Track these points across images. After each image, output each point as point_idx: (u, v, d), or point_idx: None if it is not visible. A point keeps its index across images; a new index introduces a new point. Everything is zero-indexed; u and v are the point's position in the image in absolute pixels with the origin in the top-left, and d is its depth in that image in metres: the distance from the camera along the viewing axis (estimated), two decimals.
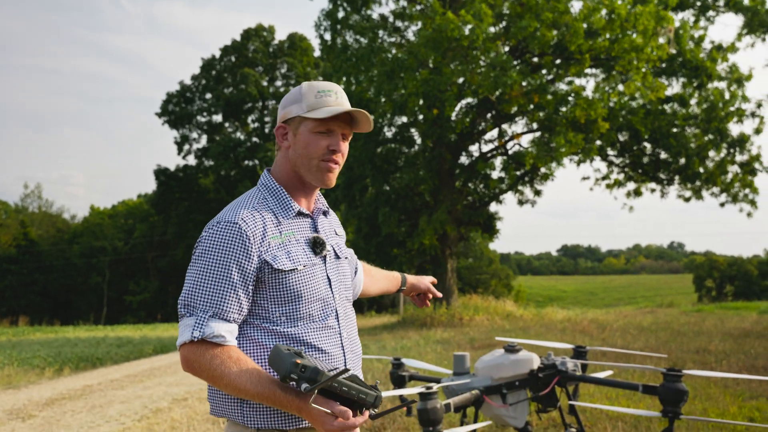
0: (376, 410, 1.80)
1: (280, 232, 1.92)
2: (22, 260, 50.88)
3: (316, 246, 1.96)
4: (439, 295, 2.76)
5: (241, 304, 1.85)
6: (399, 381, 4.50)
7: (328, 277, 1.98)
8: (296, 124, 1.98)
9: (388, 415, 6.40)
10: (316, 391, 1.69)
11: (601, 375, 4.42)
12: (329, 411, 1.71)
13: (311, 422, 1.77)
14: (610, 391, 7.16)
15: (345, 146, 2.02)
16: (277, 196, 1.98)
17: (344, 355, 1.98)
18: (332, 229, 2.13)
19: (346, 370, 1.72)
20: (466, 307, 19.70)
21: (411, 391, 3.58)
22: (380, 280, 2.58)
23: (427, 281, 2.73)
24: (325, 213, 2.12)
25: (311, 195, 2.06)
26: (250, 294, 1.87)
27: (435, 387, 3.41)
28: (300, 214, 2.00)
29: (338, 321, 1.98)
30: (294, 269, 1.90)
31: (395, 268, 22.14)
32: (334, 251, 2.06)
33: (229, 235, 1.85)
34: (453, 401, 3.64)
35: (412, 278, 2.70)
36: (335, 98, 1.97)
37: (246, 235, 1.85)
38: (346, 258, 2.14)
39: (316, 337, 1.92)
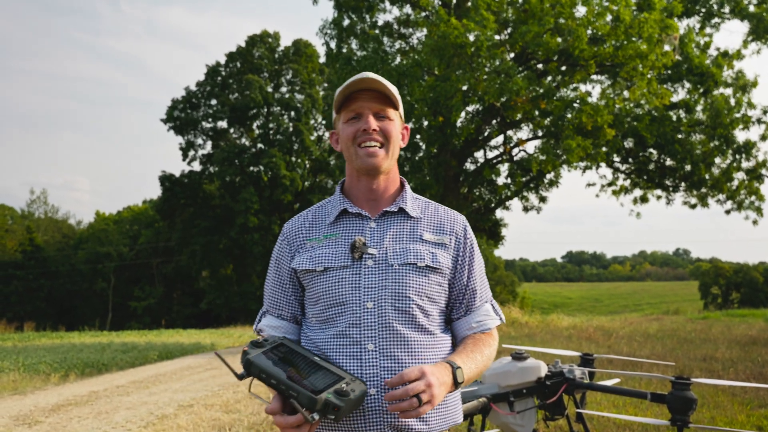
0: (313, 414, 1.55)
1: (325, 234, 1.94)
2: (27, 266, 50.98)
3: (351, 249, 1.86)
4: None
5: (289, 300, 1.99)
6: None
7: (358, 282, 1.84)
8: (336, 125, 2.00)
9: None
10: (251, 380, 1.70)
11: (609, 383, 4.41)
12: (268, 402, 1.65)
13: None
14: (617, 399, 7.14)
15: (386, 124, 1.92)
16: (334, 199, 2.00)
17: (361, 368, 1.79)
18: (404, 232, 1.93)
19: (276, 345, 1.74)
20: None
21: None
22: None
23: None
24: (399, 213, 1.96)
25: (374, 195, 1.96)
26: (290, 291, 1.98)
27: None
28: (347, 213, 1.94)
29: (360, 330, 1.81)
30: (312, 270, 1.89)
31: None
32: (386, 256, 1.86)
33: (280, 238, 2.03)
34: None
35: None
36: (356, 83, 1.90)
37: (286, 237, 2.00)
38: (411, 264, 1.88)
39: (331, 344, 1.83)
